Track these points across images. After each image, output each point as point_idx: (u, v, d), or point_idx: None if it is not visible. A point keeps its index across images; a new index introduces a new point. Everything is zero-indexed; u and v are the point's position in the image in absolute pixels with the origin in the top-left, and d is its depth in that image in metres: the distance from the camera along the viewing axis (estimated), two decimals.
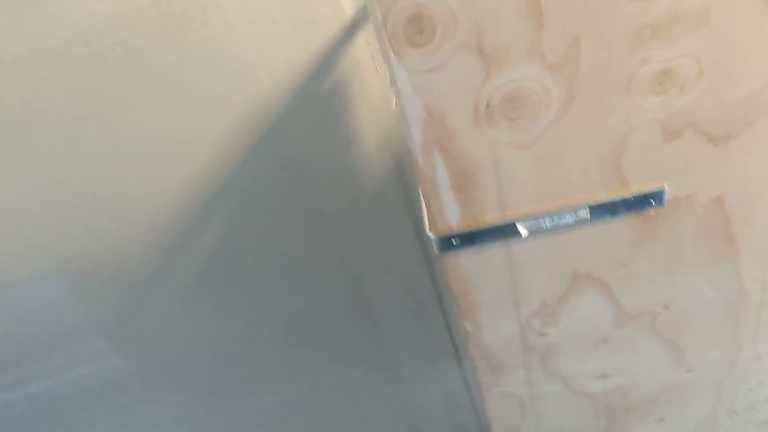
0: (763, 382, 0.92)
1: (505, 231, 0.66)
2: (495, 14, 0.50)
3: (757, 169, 0.63)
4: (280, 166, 1.05)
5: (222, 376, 1.38)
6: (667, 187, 0.63)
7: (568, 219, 0.65)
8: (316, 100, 1.00)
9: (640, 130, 0.58)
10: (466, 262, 0.69)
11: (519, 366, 0.84)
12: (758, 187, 0.65)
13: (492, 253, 0.69)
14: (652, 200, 0.64)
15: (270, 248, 1.17)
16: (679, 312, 0.78)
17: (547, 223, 0.65)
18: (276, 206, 1.10)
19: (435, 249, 0.67)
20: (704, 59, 0.54)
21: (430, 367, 1.52)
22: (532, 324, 0.78)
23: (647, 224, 0.67)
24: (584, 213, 0.65)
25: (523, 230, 0.66)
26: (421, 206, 0.68)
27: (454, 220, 0.65)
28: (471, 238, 0.66)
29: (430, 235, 0.66)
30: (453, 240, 0.66)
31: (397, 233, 1.22)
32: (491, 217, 0.65)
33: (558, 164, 0.61)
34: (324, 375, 1.46)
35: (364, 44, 0.96)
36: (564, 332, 0.80)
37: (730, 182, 0.64)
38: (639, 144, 0.60)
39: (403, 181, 1.14)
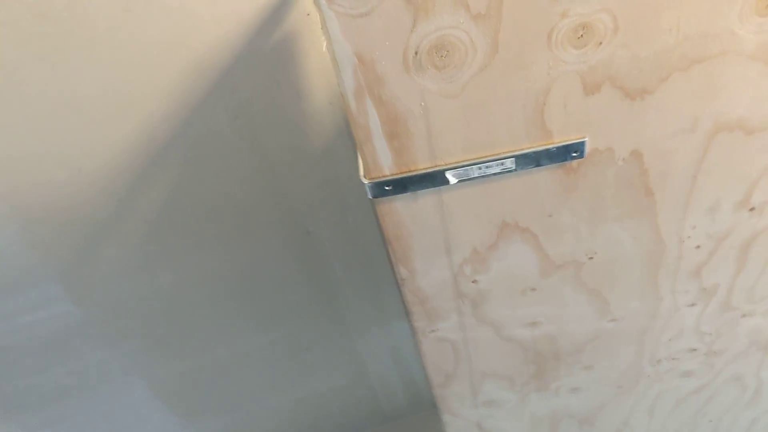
0: (682, 333, 0.98)
1: (435, 178, 0.69)
2: None
3: (671, 125, 0.67)
4: (231, 117, 1.06)
5: (173, 326, 1.40)
6: (587, 140, 0.67)
7: (495, 168, 0.69)
8: (266, 52, 1.01)
9: (560, 83, 0.62)
10: (399, 208, 0.72)
11: (452, 311, 0.88)
12: (673, 141, 0.69)
13: (424, 200, 0.72)
14: (573, 152, 0.68)
15: (221, 200, 1.19)
16: (602, 262, 0.83)
17: (474, 172, 0.69)
18: (227, 158, 1.12)
19: (368, 194, 0.70)
20: (619, 15, 0.57)
21: (378, 320, 1.56)
22: (463, 270, 0.82)
23: (570, 175, 0.71)
24: (510, 163, 0.68)
25: (452, 178, 0.69)
26: (358, 154, 0.71)
27: (387, 167, 0.68)
28: (403, 184, 0.69)
29: (364, 181, 0.69)
30: (386, 186, 0.69)
31: (347, 187, 1.25)
32: (422, 165, 0.68)
33: (484, 114, 0.64)
34: (274, 327, 1.49)
35: None
36: (494, 279, 0.84)
37: (647, 136, 0.68)
38: (560, 96, 0.63)
39: (352, 134, 1.16)
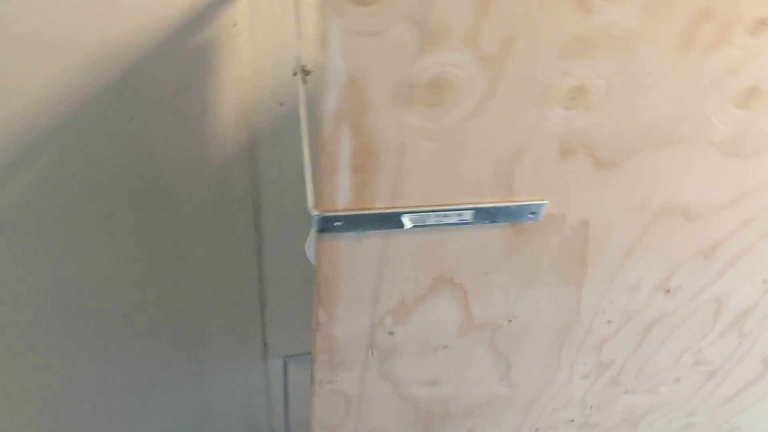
0: (568, 404, 0.99)
1: (390, 221, 0.64)
2: None
3: (625, 200, 0.68)
4: (126, 118, 0.95)
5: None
6: (547, 203, 0.66)
7: (452, 219, 0.65)
8: (179, 57, 0.92)
9: (540, 142, 0.60)
10: (342, 246, 0.67)
11: (358, 363, 0.83)
12: (621, 216, 0.69)
13: (369, 241, 0.67)
14: (531, 213, 0.66)
15: (96, 205, 1.05)
16: (519, 327, 0.82)
17: (431, 219, 0.65)
18: (113, 160, 1.00)
19: (314, 227, 0.64)
20: (615, 84, 0.57)
21: (236, 361, 1.45)
22: (384, 321, 0.77)
23: (518, 236, 0.69)
24: (468, 215, 0.65)
25: (407, 223, 0.65)
26: (306, 181, 0.64)
27: (343, 201, 0.62)
28: (356, 222, 0.63)
29: (313, 212, 0.62)
30: (336, 222, 0.63)
31: (234, 216, 1.16)
32: (380, 204, 0.63)
33: (457, 162, 0.60)
34: (125, 353, 1.34)
35: (245, 7, 0.90)
36: (411, 333, 0.80)
37: (600, 208, 0.68)
38: (536, 155, 0.61)
39: (253, 162, 1.08)
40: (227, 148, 1.06)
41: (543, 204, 0.66)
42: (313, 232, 0.65)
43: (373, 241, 0.67)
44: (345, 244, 0.66)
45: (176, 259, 1.18)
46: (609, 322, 0.84)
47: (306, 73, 0.75)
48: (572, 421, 1.03)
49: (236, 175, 1.09)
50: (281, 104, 1.02)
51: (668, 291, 0.80)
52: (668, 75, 0.57)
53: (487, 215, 0.66)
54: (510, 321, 0.81)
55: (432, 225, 0.65)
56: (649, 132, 0.61)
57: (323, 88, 0.53)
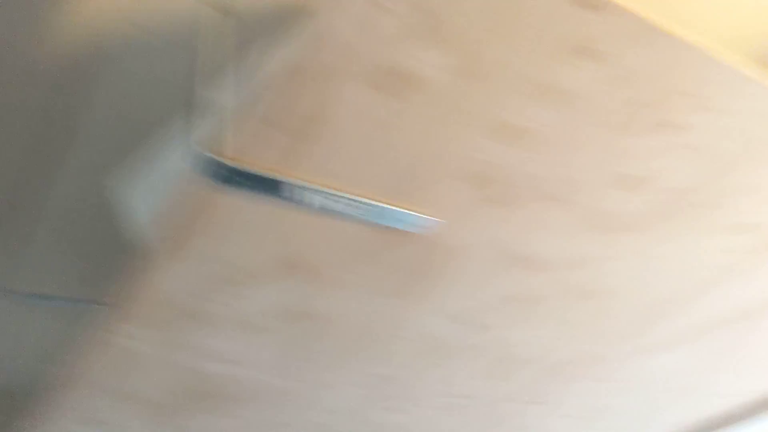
0: (339, 411, 1.01)
1: (291, 193, 0.60)
2: None
3: (492, 238, 0.72)
4: None
5: None
6: (439, 221, 0.67)
7: (343, 206, 0.63)
8: None
9: (466, 164, 0.62)
10: (223, 203, 0.61)
11: (166, 324, 0.76)
12: (479, 251, 0.74)
13: (252, 206, 0.62)
14: (419, 225, 0.67)
15: None
16: (343, 327, 0.82)
17: (326, 201, 0.62)
18: None
19: (203, 172, 0.57)
20: (553, 135, 0.60)
21: None
22: (217, 288, 0.72)
23: (389, 243, 0.70)
24: (364, 209, 0.64)
25: (313, 200, 0.61)
26: (207, 119, 0.58)
27: (259, 159, 0.57)
28: (260, 184, 0.58)
29: (209, 154, 0.56)
30: (239, 176, 0.57)
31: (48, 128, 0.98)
32: (295, 173, 0.59)
33: (387, 154, 0.59)
34: None
35: None
36: (239, 307, 0.75)
37: (470, 238, 0.71)
38: (446, 178, 0.63)
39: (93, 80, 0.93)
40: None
41: (428, 219, 0.67)
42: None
43: (255, 206, 0.62)
44: (229, 201, 0.61)
45: None
46: (414, 342, 0.87)
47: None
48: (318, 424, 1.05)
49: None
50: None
51: (476, 328, 0.86)
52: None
53: (379, 214, 0.65)
54: (341, 319, 0.80)
55: (321, 207, 0.63)
56: (545, 185, 0.66)
57: (299, 39, 0.49)
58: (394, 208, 0.65)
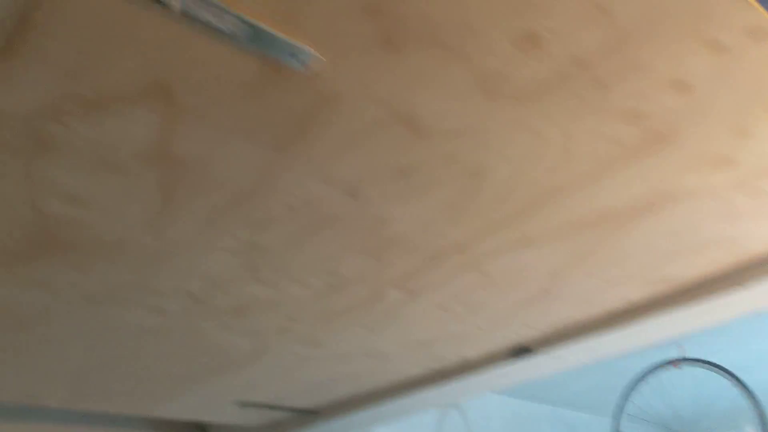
0: (196, 274, 0.95)
1: None
2: None
3: (383, 94, 0.67)
4: None
5: None
6: (318, 56, 0.61)
7: (227, 24, 0.56)
8: None
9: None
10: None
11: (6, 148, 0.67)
12: (367, 109, 0.69)
13: (131, 11, 0.54)
14: (298, 57, 0.61)
15: None
16: (201, 172, 0.75)
17: (208, 11, 0.55)
18: None
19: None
20: None
21: None
22: (64, 106, 0.63)
23: (272, 78, 0.63)
24: (244, 30, 0.57)
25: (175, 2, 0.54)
26: None
27: None
28: None
29: None
30: None
31: None
32: None
33: None
34: None
35: None
36: (87, 136, 0.67)
37: (361, 93, 0.66)
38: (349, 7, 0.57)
39: None
40: None
41: (314, 55, 0.61)
42: None
43: (115, 6, 0.54)
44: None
45: None
46: (290, 208, 0.82)
47: None
48: (191, 293, 0.99)
49: None
50: None
51: (354, 197, 0.82)
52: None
53: (263, 40, 0.58)
54: (207, 167, 0.74)
55: (203, 18, 0.55)
56: (440, 31, 0.61)
57: None
58: (275, 33, 0.59)
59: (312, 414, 1.71)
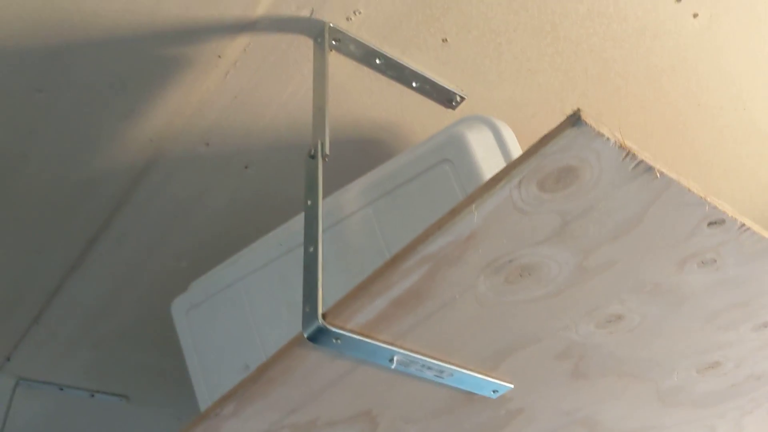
0: None
1: (380, 355, 0.59)
2: None
3: (561, 402, 0.71)
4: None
5: None
6: (512, 387, 0.66)
7: (430, 373, 0.63)
8: None
9: (551, 342, 0.61)
10: (313, 358, 0.60)
11: None
12: (547, 414, 0.73)
13: (340, 364, 0.61)
14: (493, 390, 0.66)
15: None
16: None
17: (414, 367, 0.62)
18: None
19: (305, 333, 0.57)
20: (646, 322, 0.61)
21: None
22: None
23: (461, 402, 0.69)
24: (447, 374, 0.63)
25: (394, 363, 0.60)
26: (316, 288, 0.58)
27: (356, 323, 0.56)
28: (352, 345, 0.58)
29: (319, 321, 0.56)
30: (336, 338, 0.57)
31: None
32: (383, 338, 0.58)
33: (482, 331, 0.59)
34: None
35: None
36: None
37: (539, 402, 0.71)
38: (538, 350, 0.62)
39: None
40: None
41: (508, 387, 0.66)
42: None
43: (342, 364, 0.61)
44: (317, 356, 0.60)
45: None
46: None
47: (325, 157, 0.68)
48: None
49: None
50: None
51: None
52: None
53: (459, 379, 0.64)
54: None
55: (409, 372, 0.62)
56: (626, 365, 0.66)
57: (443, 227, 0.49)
58: (477, 375, 0.64)
59: None
